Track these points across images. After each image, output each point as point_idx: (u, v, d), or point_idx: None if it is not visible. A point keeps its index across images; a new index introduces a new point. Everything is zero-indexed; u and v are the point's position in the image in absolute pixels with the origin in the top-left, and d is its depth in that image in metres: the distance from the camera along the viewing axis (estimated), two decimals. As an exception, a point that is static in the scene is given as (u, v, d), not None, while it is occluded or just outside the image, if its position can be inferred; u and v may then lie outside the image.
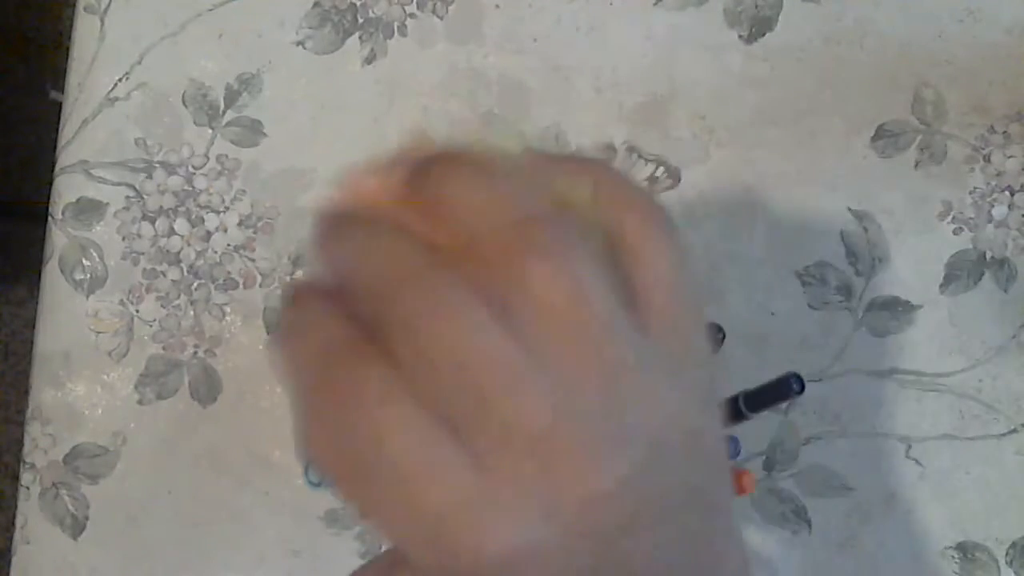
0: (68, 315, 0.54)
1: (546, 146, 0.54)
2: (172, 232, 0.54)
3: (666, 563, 0.21)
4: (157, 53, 0.55)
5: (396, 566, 0.27)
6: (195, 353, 0.54)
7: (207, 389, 0.54)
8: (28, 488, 0.53)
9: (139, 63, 0.55)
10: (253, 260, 0.54)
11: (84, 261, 0.54)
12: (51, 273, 0.54)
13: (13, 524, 0.54)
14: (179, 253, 0.54)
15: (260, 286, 0.54)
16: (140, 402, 0.54)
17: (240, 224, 0.54)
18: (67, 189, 0.55)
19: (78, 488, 0.53)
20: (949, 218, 0.54)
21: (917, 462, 0.53)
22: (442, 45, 0.55)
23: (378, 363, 0.19)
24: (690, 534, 0.21)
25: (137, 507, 0.53)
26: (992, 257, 0.53)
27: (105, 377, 0.54)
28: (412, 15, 0.55)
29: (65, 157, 0.55)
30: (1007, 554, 0.52)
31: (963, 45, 0.54)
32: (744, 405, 0.41)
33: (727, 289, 0.53)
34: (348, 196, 0.22)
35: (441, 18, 0.55)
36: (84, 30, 0.55)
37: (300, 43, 0.55)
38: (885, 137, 0.54)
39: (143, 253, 0.54)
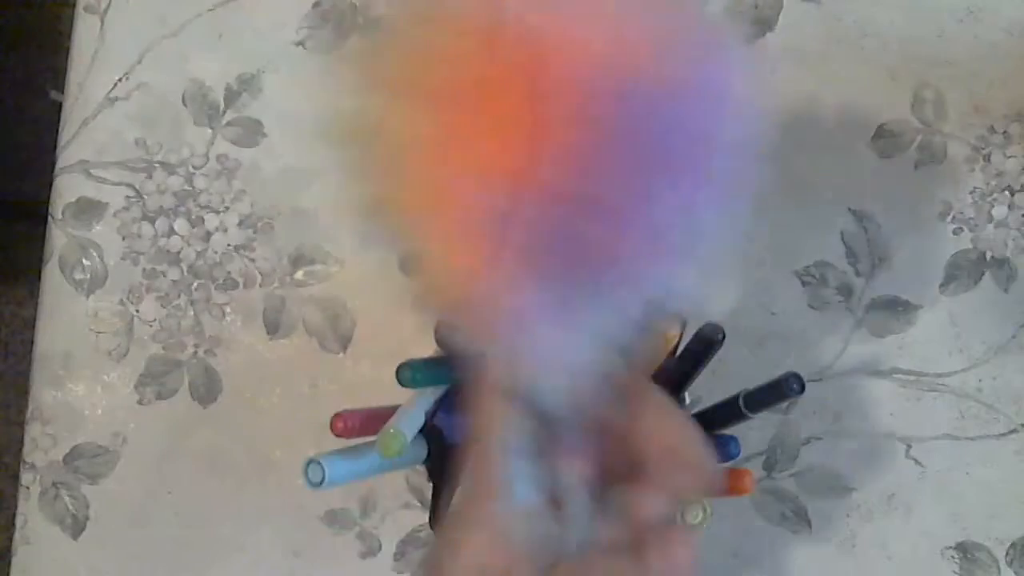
0: (68, 315, 0.54)
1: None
2: (172, 232, 0.54)
3: None
4: (157, 53, 0.55)
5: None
6: (195, 353, 0.54)
7: (207, 389, 0.54)
8: (28, 488, 0.53)
9: (139, 63, 0.55)
10: (253, 260, 0.54)
11: (84, 261, 0.54)
12: (51, 273, 0.54)
13: (13, 524, 0.54)
14: (179, 253, 0.54)
15: (260, 286, 0.54)
16: (140, 402, 0.54)
17: (240, 224, 0.54)
18: (67, 189, 0.55)
19: (78, 488, 0.53)
20: (949, 218, 0.54)
21: (917, 462, 0.53)
22: (442, 45, 0.55)
23: None
24: None
25: (137, 507, 0.53)
26: (992, 257, 0.53)
27: (105, 377, 0.54)
28: (412, 15, 0.55)
29: (65, 157, 0.55)
30: (1007, 554, 0.52)
31: (963, 45, 0.54)
32: (744, 405, 0.41)
33: (728, 289, 0.53)
34: None
35: (441, 18, 0.55)
36: (84, 30, 0.55)
37: (300, 43, 0.55)
38: (885, 137, 0.54)
39: (143, 253, 0.54)
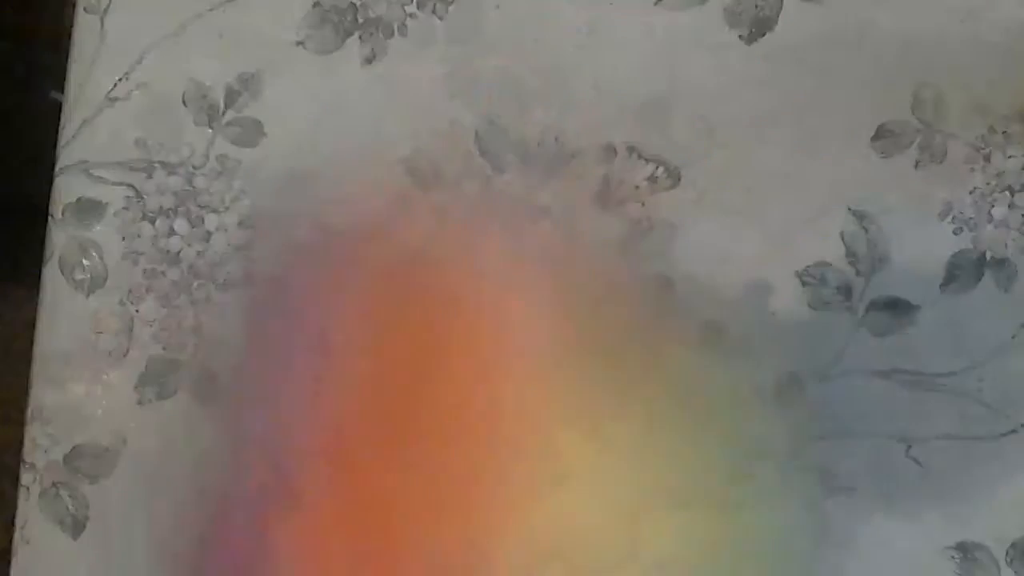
0: (68, 315, 0.54)
1: (546, 146, 0.54)
2: (172, 232, 0.54)
3: None
4: (157, 53, 0.55)
5: None
6: (195, 353, 0.54)
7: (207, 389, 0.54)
8: (28, 488, 0.53)
9: (139, 63, 0.55)
10: (253, 260, 0.54)
11: (84, 261, 0.54)
12: (51, 273, 0.54)
13: (13, 524, 0.54)
14: (179, 253, 0.54)
15: (260, 286, 0.54)
16: (140, 402, 0.54)
17: (240, 224, 0.54)
18: (67, 189, 0.55)
19: (78, 488, 0.53)
20: (949, 218, 0.54)
21: (917, 462, 0.53)
22: (442, 45, 0.55)
23: None
24: None
25: (137, 507, 0.53)
26: (992, 257, 0.53)
27: (105, 377, 0.54)
28: (412, 15, 0.55)
29: (65, 157, 0.55)
30: (1007, 554, 0.52)
31: (963, 45, 0.54)
32: (744, 405, 0.41)
33: (728, 289, 0.53)
34: None
35: (441, 18, 0.55)
36: (84, 30, 0.55)
37: (300, 43, 0.55)
38: (885, 137, 0.54)
39: (143, 253, 0.54)
